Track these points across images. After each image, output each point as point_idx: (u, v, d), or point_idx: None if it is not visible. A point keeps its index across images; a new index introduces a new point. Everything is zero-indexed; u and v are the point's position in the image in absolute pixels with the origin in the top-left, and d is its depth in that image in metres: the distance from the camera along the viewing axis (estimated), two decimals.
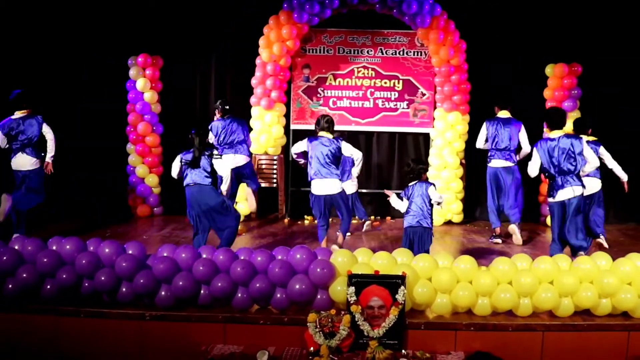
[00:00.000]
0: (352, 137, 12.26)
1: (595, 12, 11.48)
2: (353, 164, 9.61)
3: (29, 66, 11.25)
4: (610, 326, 6.72)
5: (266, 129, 11.55)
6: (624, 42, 11.58)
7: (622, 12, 11.45)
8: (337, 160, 9.06)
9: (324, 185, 8.94)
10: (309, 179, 9.05)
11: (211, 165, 8.47)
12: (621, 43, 11.58)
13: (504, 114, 10.28)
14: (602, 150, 9.08)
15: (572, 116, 10.90)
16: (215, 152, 8.59)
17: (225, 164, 8.74)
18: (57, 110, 10.33)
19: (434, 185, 8.10)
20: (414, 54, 12.12)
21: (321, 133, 9.08)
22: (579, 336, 6.68)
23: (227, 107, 10.33)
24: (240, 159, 10.24)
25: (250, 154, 10.54)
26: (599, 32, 11.55)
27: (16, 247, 7.03)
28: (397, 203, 8.11)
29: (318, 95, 12.24)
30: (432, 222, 8.07)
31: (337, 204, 9.10)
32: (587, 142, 8.45)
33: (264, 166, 11.76)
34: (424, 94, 12.12)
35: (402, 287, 6.44)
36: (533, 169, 8.43)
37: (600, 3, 11.45)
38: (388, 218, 12.09)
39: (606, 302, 6.76)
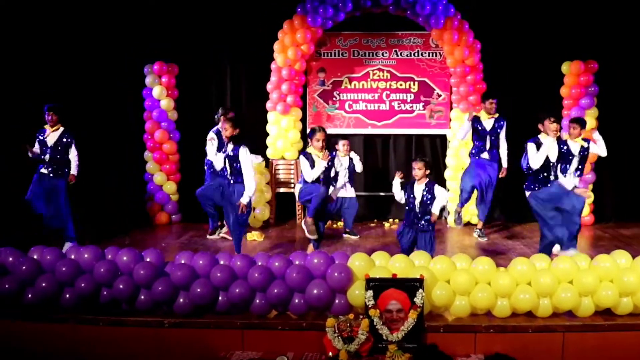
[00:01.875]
0: (369, 140, 12.28)
1: (611, 8, 11.41)
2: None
3: (44, 77, 11.32)
4: (632, 326, 6.66)
5: (283, 134, 11.56)
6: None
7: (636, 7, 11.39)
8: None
9: None
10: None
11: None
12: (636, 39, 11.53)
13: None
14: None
15: (590, 114, 10.93)
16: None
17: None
18: (73, 118, 10.36)
19: None
20: (428, 55, 12.10)
21: None
22: (600, 336, 6.62)
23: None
24: None
25: None
26: (615, 29, 11.49)
27: (35, 257, 7.07)
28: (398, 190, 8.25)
29: (334, 98, 12.24)
30: None
31: None
32: None
33: (280, 171, 11.76)
34: (439, 95, 12.09)
35: (421, 290, 6.41)
36: None
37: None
38: None
39: (627, 300, 6.71)
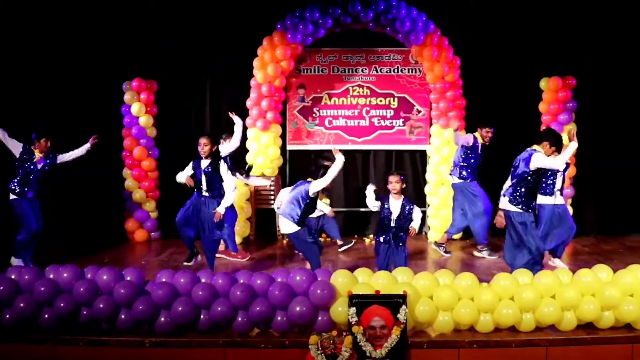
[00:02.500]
0: (349, 156, 12.21)
1: (589, 25, 11.53)
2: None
3: (23, 93, 11.28)
4: (614, 339, 6.71)
5: (262, 151, 11.52)
6: (617, 54, 11.63)
7: (614, 24, 11.52)
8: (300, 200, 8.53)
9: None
10: None
11: None
12: (614, 55, 11.64)
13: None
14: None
15: (568, 129, 10.98)
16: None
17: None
18: (53, 136, 10.28)
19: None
20: (408, 72, 12.13)
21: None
22: (583, 350, 6.66)
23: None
24: None
25: None
26: (592, 45, 11.61)
27: (13, 277, 6.98)
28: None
29: (314, 115, 12.24)
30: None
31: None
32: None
33: (261, 188, 11.71)
34: (419, 111, 12.12)
35: (404, 306, 6.40)
36: None
37: (594, 16, 11.51)
38: None
39: (609, 314, 6.77)
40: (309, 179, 8.74)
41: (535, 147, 8.08)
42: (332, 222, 10.72)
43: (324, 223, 10.68)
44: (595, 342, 6.68)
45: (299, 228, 8.45)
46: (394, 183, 7.96)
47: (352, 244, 10.99)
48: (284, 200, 8.55)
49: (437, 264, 9.89)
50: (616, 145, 11.73)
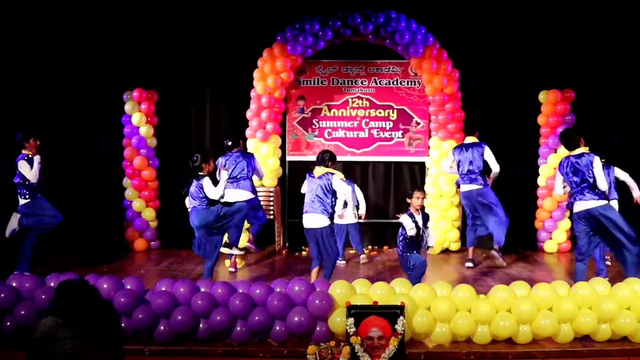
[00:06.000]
0: (348, 168, 12.27)
1: (588, 38, 11.58)
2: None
3: (22, 101, 11.31)
4: (610, 352, 6.75)
5: (262, 161, 11.51)
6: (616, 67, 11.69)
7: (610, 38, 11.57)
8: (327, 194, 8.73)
9: (309, 219, 8.79)
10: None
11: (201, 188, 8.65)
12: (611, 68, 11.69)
13: (469, 139, 10.53)
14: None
15: None
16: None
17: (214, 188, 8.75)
18: (54, 144, 10.32)
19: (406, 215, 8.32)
20: (407, 84, 12.18)
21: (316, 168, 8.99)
22: None
23: (230, 142, 10.27)
24: (241, 195, 10.09)
25: (254, 190, 10.34)
26: (591, 58, 11.65)
27: (14, 285, 7.02)
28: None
29: (313, 126, 12.29)
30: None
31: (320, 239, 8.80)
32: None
33: (260, 198, 11.73)
34: (418, 123, 12.16)
35: (401, 317, 6.41)
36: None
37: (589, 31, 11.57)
38: (385, 247, 12.06)
39: (605, 327, 6.80)
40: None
41: (583, 149, 8.53)
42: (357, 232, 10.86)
43: (349, 232, 10.78)
44: (591, 354, 6.72)
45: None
46: (421, 199, 8.17)
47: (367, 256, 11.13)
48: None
49: (435, 275, 9.93)
50: (614, 158, 11.76)
